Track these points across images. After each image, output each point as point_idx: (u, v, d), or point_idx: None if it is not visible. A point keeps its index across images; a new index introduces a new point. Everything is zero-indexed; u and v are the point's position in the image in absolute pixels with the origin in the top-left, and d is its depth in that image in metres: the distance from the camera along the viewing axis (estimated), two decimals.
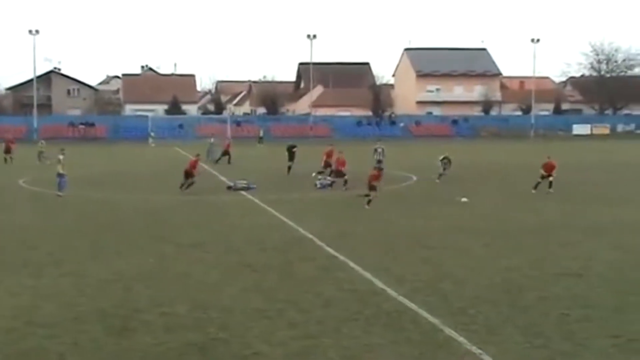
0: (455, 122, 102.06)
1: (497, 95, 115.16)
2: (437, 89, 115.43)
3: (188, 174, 32.76)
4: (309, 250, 19.53)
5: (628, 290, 14.90)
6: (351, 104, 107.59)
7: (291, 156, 41.55)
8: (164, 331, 12.25)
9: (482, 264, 17.49)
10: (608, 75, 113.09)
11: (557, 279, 15.91)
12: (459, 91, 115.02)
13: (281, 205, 27.94)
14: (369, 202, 27.21)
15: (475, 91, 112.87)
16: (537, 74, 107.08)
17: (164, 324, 12.66)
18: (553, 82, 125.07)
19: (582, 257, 18.27)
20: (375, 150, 41.40)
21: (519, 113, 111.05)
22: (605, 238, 21.05)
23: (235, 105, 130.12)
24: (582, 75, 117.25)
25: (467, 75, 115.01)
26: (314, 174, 36.77)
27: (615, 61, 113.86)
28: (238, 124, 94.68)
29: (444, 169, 36.33)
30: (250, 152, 52.87)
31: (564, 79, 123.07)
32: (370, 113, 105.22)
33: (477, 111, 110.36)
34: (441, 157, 36.73)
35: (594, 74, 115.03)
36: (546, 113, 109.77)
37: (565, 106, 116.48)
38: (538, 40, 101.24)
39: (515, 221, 24.29)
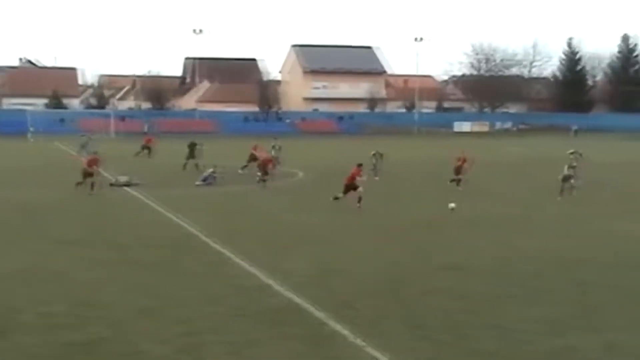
0: (341, 118, 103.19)
1: (382, 93, 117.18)
2: (324, 86, 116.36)
3: (87, 174, 30.29)
4: (195, 246, 19.35)
5: (506, 282, 15.47)
6: (238, 100, 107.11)
7: (191, 153, 41.11)
8: (44, 331, 11.87)
9: (368, 259, 17.76)
10: (487, 74, 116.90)
11: (441, 272, 16.35)
12: (345, 88, 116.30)
13: (167, 201, 27.53)
14: (359, 199, 25.82)
15: (361, 88, 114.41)
16: (420, 73, 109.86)
17: (43, 323, 12.27)
18: (436, 80, 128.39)
19: (464, 250, 18.83)
20: (273, 147, 41.48)
21: (403, 110, 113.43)
22: (485, 232, 21.79)
23: (119, 99, 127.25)
24: (464, 75, 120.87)
25: (353, 73, 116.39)
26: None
27: (494, 61, 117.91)
28: (122, 118, 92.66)
29: (376, 164, 36.66)
30: (135, 148, 51.81)
31: (446, 77, 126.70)
32: (257, 109, 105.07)
33: (362, 108, 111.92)
34: (372, 153, 37.16)
35: (474, 73, 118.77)
36: (429, 110, 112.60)
37: (447, 104, 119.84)
38: (422, 39, 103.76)
39: (401, 216, 24.78)
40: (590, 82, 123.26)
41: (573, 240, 20.66)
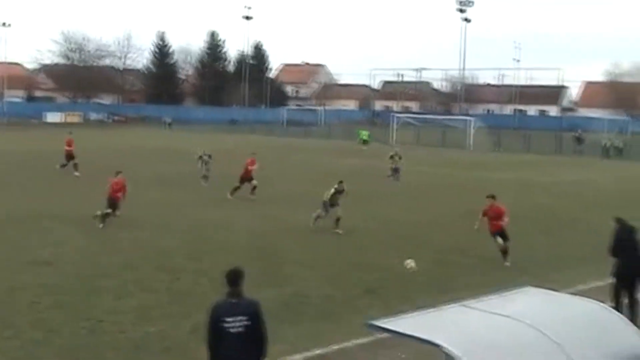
0: None
1: None
2: None
3: None
4: None
5: (96, 274, 15.52)
6: None
7: None
8: None
9: None
10: (80, 64, 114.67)
11: (28, 268, 15.87)
12: None
13: None
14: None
15: None
16: (7, 60, 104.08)
17: None
18: (25, 68, 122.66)
19: (53, 244, 18.42)
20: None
21: None
22: (74, 226, 21.20)
23: None
24: (56, 64, 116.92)
25: None
26: None
27: (88, 51, 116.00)
28: None
29: None
30: None
31: (37, 66, 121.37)
32: None
33: None
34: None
35: (67, 62, 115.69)
36: (18, 100, 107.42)
37: (39, 93, 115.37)
38: (9, 25, 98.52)
39: None
40: (181, 76, 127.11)
41: (162, 230, 21.17)
